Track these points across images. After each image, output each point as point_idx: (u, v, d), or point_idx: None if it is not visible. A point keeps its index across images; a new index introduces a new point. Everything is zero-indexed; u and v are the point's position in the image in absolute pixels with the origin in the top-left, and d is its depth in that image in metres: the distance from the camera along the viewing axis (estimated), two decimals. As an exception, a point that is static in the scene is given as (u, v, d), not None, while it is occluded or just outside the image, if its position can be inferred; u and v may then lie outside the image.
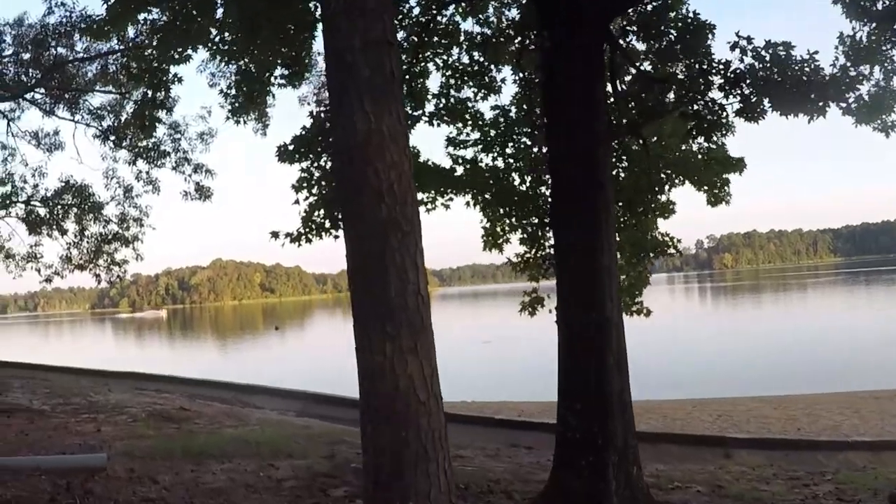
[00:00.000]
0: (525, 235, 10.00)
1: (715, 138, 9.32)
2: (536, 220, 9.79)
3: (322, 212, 8.71)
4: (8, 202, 20.25)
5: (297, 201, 8.89)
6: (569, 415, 7.60)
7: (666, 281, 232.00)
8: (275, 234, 8.90)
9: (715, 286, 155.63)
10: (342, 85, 4.36)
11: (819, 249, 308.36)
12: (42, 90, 19.20)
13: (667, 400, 22.08)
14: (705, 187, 10.52)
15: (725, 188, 10.53)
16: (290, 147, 8.88)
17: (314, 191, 8.94)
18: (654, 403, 20.20)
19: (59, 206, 20.23)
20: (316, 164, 8.82)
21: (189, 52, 8.66)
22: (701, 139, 9.06)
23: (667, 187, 10.62)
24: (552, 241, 9.92)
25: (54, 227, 20.07)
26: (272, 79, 9.34)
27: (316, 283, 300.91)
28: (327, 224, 8.72)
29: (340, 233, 8.81)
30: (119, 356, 57.73)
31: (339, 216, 8.50)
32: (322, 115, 8.78)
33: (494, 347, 47.64)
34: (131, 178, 20.56)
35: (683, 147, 10.35)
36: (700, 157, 10.32)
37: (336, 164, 4.87)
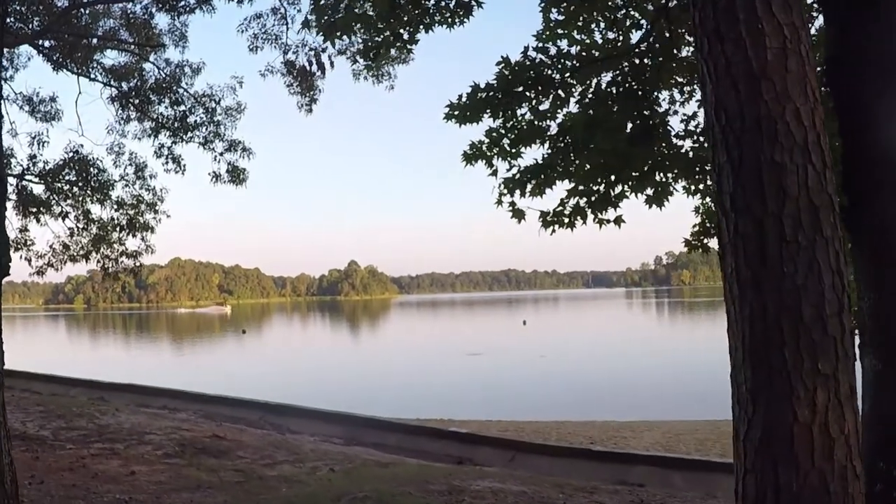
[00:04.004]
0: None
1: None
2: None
3: (525, 189, 5.96)
4: (-9, 177, 16.72)
5: (494, 172, 6.16)
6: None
7: (624, 296, 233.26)
8: (518, 214, 5.96)
9: (691, 301, 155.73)
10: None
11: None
12: (49, 40, 15.85)
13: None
14: None
15: None
16: (466, 102, 6.13)
17: (497, 161, 6.21)
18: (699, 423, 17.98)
19: (62, 184, 16.70)
20: (511, 124, 6.08)
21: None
22: None
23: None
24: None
25: (49, 209, 16.66)
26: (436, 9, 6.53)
27: (275, 285, 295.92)
28: (582, 203, 5.89)
29: (612, 215, 6.38)
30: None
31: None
32: (534, 48, 6.05)
33: (484, 360, 45.33)
34: (145, 155, 17.51)
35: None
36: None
37: (723, 99, 3.17)
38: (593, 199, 5.81)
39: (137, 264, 17.48)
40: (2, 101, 3.47)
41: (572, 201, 5.91)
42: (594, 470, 11.94)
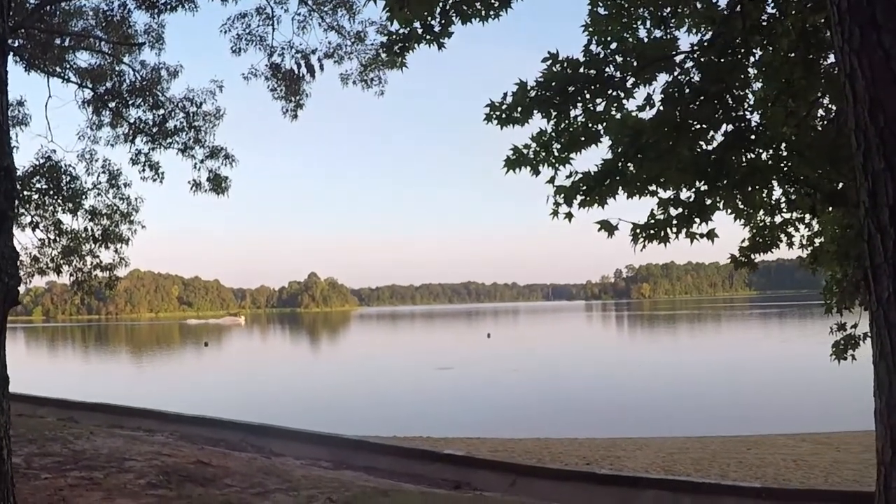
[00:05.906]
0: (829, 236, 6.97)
1: None
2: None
3: (586, 199, 5.38)
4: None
5: (551, 180, 5.59)
6: None
7: (584, 308, 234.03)
8: (607, 227, 5.27)
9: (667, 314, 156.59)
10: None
11: (735, 283, 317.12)
12: (20, 38, 14.87)
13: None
14: None
15: None
16: (511, 102, 5.55)
17: (543, 168, 5.64)
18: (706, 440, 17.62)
19: (32, 192, 15.58)
20: (563, 126, 5.51)
21: None
22: None
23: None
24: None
25: (16, 218, 15.60)
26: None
27: (234, 297, 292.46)
28: (673, 213, 5.29)
29: (704, 228, 5.81)
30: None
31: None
32: (595, 38, 5.51)
33: (455, 374, 44.76)
34: (119, 163, 16.59)
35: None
36: None
37: (881, 98, 2.77)
38: (684, 211, 5.26)
39: (114, 277, 16.55)
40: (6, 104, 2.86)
41: (662, 213, 5.36)
42: (600, 495, 11.38)
